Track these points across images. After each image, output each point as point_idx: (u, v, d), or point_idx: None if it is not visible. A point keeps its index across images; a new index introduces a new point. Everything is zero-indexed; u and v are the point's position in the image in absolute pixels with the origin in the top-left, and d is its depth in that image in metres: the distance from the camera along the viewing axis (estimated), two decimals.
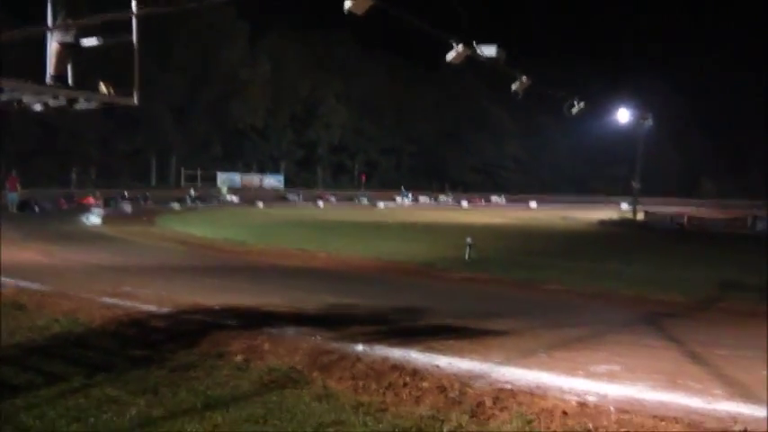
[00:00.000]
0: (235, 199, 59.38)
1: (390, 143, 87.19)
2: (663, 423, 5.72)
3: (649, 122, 47.80)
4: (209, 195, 57.99)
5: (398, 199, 70.89)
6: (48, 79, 6.67)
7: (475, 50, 13.81)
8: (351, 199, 67.08)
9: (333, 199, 65.94)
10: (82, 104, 7.08)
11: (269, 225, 33.68)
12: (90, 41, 6.97)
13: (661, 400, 6.42)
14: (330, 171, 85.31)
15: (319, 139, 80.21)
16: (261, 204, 57.80)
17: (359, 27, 66.23)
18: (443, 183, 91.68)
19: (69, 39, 6.71)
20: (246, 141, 74.20)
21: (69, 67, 6.83)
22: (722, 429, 5.70)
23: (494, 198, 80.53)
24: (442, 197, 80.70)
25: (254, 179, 74.17)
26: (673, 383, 7.00)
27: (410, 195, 73.56)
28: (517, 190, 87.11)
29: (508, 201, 76.48)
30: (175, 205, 49.98)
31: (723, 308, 13.04)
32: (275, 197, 62.45)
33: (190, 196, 55.20)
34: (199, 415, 5.78)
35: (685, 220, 43.46)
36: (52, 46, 6.69)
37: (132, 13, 6.60)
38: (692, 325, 10.92)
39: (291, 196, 65.36)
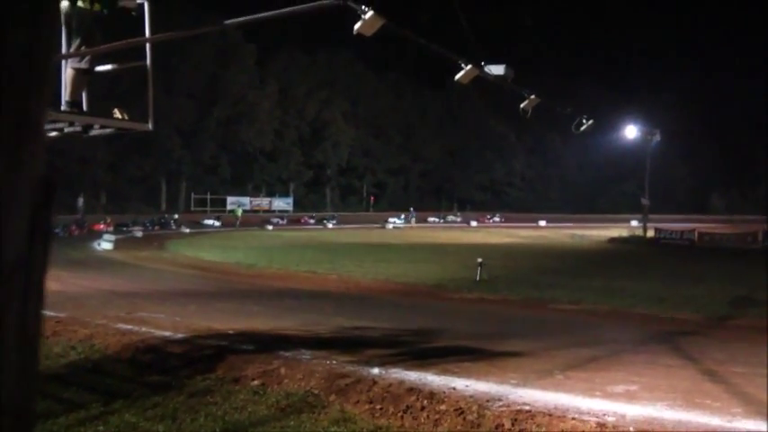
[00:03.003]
0: (216, 223, 59.21)
1: (398, 163, 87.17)
2: None
3: (657, 138, 47.77)
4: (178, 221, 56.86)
5: (393, 220, 69.50)
6: (63, 105, 6.70)
7: (483, 70, 13.79)
8: (321, 221, 67.08)
9: (312, 221, 67.05)
10: (97, 130, 7.10)
11: (278, 248, 33.71)
12: (104, 67, 7.02)
13: (680, 419, 6.37)
14: (339, 192, 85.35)
15: (327, 160, 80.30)
16: (270, 227, 58.00)
17: (365, 47, 66.74)
18: (452, 202, 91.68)
19: (84, 65, 6.75)
20: (255, 163, 74.40)
21: (84, 94, 6.87)
22: None
23: (502, 217, 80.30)
24: (451, 217, 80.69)
25: (263, 202, 74.25)
26: (691, 402, 6.95)
27: (404, 217, 71.95)
28: (525, 209, 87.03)
29: (516, 219, 76.25)
30: (185, 229, 50.16)
31: (737, 325, 13.01)
32: (261, 221, 62.38)
33: (173, 219, 55.17)
34: None
35: (696, 236, 43.31)
36: (67, 72, 6.72)
37: (146, 38, 6.65)
38: (707, 342, 10.86)
39: (274, 219, 65.30)
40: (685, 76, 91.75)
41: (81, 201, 57.03)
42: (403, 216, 71.44)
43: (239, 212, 64.77)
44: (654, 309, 14.70)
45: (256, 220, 62.54)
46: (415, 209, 74.98)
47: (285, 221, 65.10)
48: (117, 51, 6.87)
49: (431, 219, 76.87)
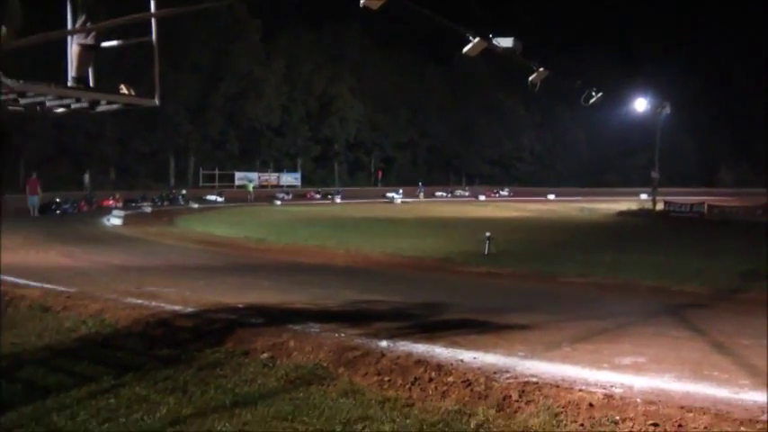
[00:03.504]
0: (219, 199, 58.90)
1: (406, 138, 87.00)
2: (690, 414, 5.70)
3: (667, 111, 47.37)
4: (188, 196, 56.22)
5: (391, 195, 68.00)
6: (69, 81, 6.69)
7: (491, 42, 13.72)
8: (326, 195, 66.90)
9: (318, 196, 67.22)
10: (103, 106, 7.10)
11: (287, 223, 33.73)
12: (110, 43, 7.00)
13: (688, 390, 6.38)
14: (347, 167, 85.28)
15: (335, 135, 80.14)
16: (278, 202, 58.07)
17: (371, 21, 66.36)
18: (460, 176, 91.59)
19: (90, 41, 6.73)
20: (263, 139, 74.33)
21: (90, 69, 6.85)
22: (750, 419, 5.67)
23: (510, 191, 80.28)
24: (459, 191, 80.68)
25: (271, 177, 74.40)
26: (699, 374, 6.97)
27: (401, 191, 69.53)
28: (534, 183, 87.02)
29: (525, 194, 76.14)
30: (194, 205, 50.27)
31: (745, 298, 12.97)
32: (268, 196, 62.22)
33: (181, 195, 55.01)
34: (228, 413, 5.85)
35: (705, 209, 43.16)
36: (73, 48, 6.70)
37: (152, 14, 6.61)
38: (715, 315, 10.86)
39: (280, 194, 65.04)
40: (696, 50, 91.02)
41: (87, 177, 57.11)
42: (401, 191, 70.12)
43: (251, 187, 64.90)
44: (662, 281, 14.66)
45: (265, 195, 62.68)
46: (423, 183, 74.80)
47: (290, 196, 65.02)
48: (123, 27, 6.84)
49: (438, 193, 76.74)
